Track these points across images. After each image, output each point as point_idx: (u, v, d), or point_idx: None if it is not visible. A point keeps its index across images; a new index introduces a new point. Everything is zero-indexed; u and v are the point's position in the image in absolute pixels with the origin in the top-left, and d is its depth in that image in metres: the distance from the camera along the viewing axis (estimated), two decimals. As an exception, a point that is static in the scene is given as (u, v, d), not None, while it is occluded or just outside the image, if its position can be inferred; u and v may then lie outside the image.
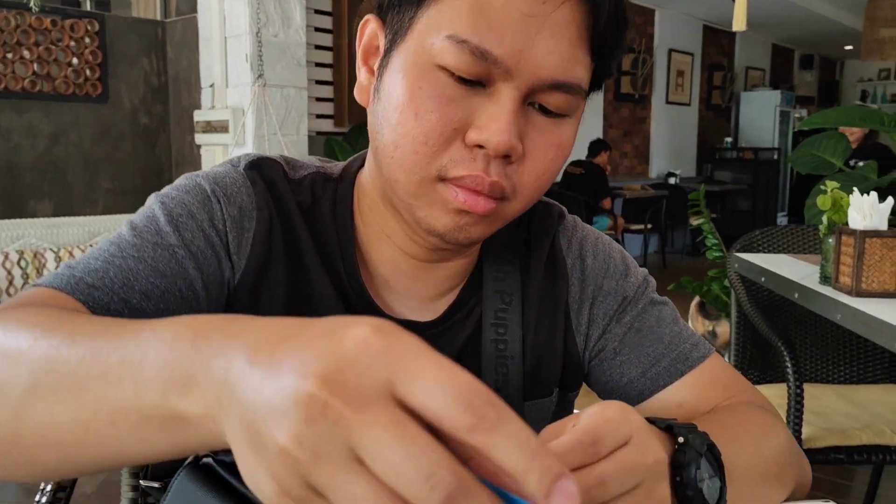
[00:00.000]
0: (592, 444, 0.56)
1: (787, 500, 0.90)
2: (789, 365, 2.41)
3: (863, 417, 2.46)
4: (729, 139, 10.89)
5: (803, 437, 2.35)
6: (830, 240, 2.02)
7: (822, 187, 2.11)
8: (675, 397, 0.94)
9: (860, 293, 1.87)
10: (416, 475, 0.34)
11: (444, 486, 0.34)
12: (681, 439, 0.70)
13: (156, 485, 1.08)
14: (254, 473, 0.38)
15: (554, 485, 0.36)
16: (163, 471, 0.97)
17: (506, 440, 0.36)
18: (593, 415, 0.59)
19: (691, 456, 0.69)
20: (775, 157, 10.27)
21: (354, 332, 0.38)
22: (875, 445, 2.39)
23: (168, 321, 0.47)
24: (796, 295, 2.12)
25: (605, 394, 1.01)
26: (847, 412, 2.49)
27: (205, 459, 0.91)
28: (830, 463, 2.39)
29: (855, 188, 1.93)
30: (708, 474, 0.70)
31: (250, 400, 0.38)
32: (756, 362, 2.93)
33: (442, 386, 0.36)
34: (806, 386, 2.51)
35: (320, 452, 0.35)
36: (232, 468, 0.87)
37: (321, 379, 0.36)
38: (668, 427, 0.72)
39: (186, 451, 0.47)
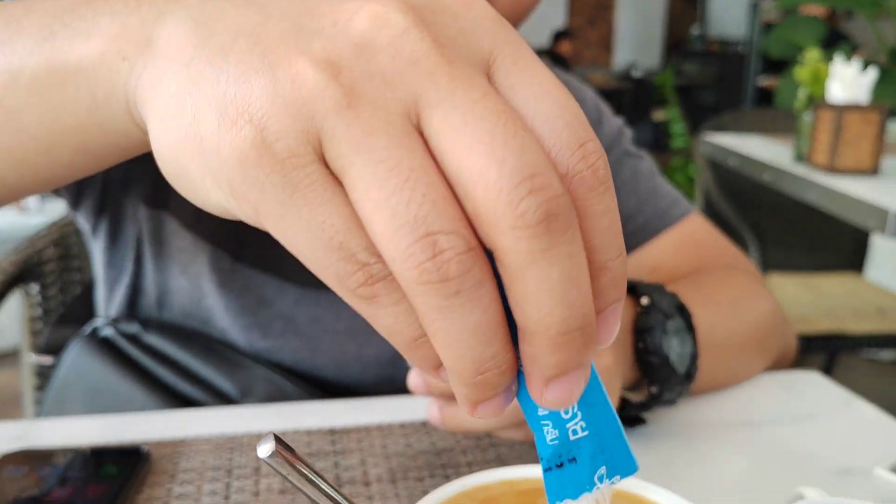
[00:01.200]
0: None
1: (770, 370, 0.80)
2: (755, 254, 2.32)
3: (823, 306, 2.41)
4: (696, 32, 10.62)
5: (763, 326, 2.30)
6: (806, 116, 1.87)
7: (800, 60, 1.95)
8: (649, 259, 0.80)
9: (835, 170, 1.75)
10: (511, 165, 0.24)
11: (548, 193, 0.24)
12: (645, 300, 0.58)
13: (48, 361, 1.00)
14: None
15: None
16: (57, 346, 0.87)
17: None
18: None
19: (656, 319, 0.57)
20: (743, 50, 10.06)
21: None
22: (833, 334, 2.35)
23: None
24: (766, 176, 1.99)
25: None
26: (808, 301, 2.43)
27: (105, 332, 0.80)
28: (788, 352, 2.35)
29: (835, 56, 1.77)
30: (677, 340, 0.58)
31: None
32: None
33: (554, 100, 0.27)
34: (769, 275, 2.43)
35: (366, 90, 0.25)
36: (134, 340, 0.81)
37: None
38: (630, 287, 0.59)
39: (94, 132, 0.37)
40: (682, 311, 0.60)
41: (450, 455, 0.62)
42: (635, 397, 0.62)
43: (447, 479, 0.58)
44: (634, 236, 0.82)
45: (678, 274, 0.79)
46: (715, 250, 0.83)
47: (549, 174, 0.24)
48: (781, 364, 0.83)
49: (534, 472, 0.38)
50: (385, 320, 0.26)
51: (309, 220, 0.25)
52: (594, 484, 0.27)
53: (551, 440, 0.28)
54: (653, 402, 0.61)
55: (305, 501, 0.54)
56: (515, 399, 0.28)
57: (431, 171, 0.25)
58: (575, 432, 0.27)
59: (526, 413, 0.28)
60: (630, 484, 0.37)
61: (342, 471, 0.59)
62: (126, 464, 0.57)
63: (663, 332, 0.58)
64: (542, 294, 0.24)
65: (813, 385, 0.77)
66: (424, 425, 0.67)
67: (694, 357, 0.60)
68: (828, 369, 2.87)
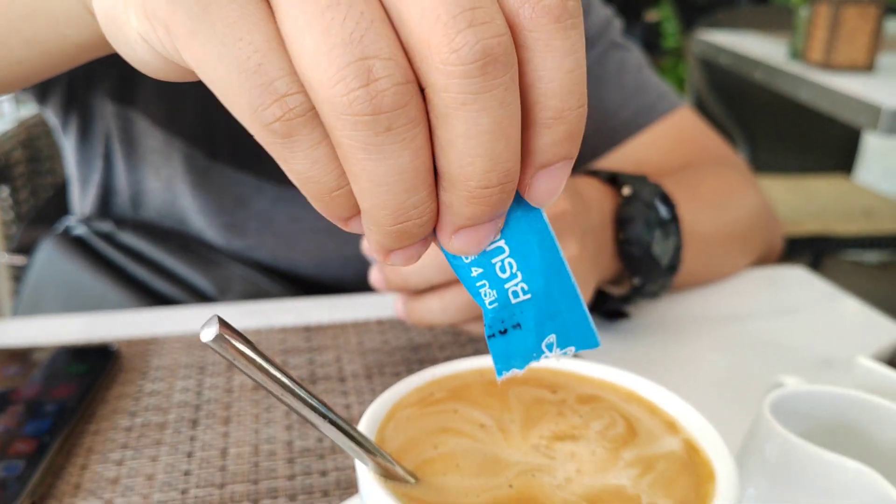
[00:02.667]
0: None
1: (755, 266, 0.79)
2: (745, 155, 2.29)
3: (810, 208, 2.40)
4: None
5: (749, 228, 2.29)
6: (803, 11, 1.81)
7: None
8: (634, 154, 0.78)
9: (830, 67, 1.70)
10: None
11: (489, 31, 0.21)
12: (626, 190, 0.56)
13: (21, 261, 0.99)
14: None
15: None
16: (30, 246, 0.86)
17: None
18: None
19: (638, 210, 0.55)
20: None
21: None
22: (819, 236, 2.35)
23: None
24: (759, 74, 1.94)
25: None
26: (796, 203, 2.42)
27: (77, 230, 0.78)
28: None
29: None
30: (660, 231, 0.57)
31: None
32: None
33: None
34: (758, 178, 2.42)
35: None
36: (107, 239, 0.79)
37: None
38: (612, 178, 0.57)
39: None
40: (666, 202, 0.58)
41: (427, 351, 0.61)
42: (618, 291, 0.60)
43: (424, 374, 0.57)
44: (619, 130, 0.79)
45: (665, 169, 0.77)
46: (704, 146, 0.81)
47: (492, 9, 0.21)
48: (767, 260, 0.81)
49: (505, 360, 0.37)
50: (300, 165, 0.23)
51: (223, 36, 0.22)
52: (542, 352, 0.25)
53: (490, 303, 0.26)
54: (635, 294, 0.59)
55: (276, 406, 0.53)
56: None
57: None
58: (516, 294, 0.25)
59: (458, 273, 0.26)
60: (607, 372, 0.36)
61: (317, 367, 0.58)
62: (95, 362, 0.56)
63: (645, 224, 0.56)
64: (467, 141, 0.22)
65: (798, 280, 0.76)
66: (402, 322, 0.65)
67: (678, 248, 0.59)
68: (813, 270, 2.90)
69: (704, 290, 0.73)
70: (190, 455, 0.48)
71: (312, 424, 0.25)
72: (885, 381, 0.43)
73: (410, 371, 0.58)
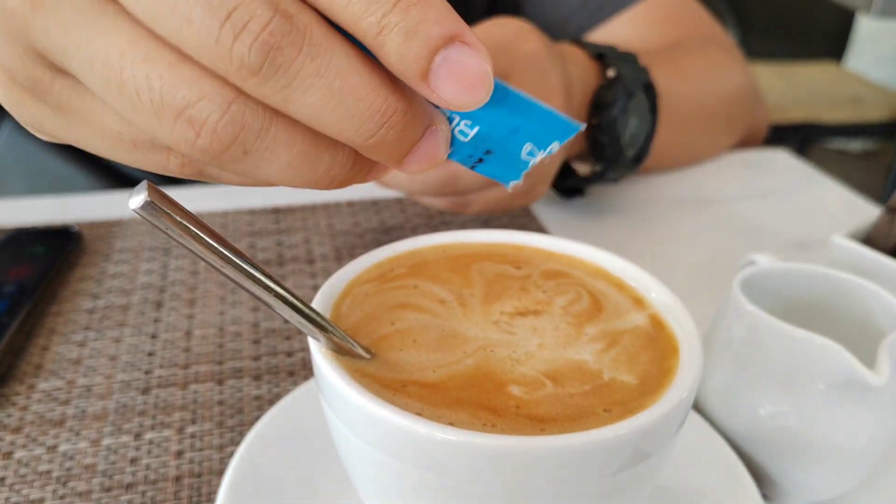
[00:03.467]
0: None
1: (740, 148, 0.77)
2: (735, 40, 2.23)
3: (798, 95, 2.36)
4: None
5: (736, 115, 2.26)
6: None
7: None
8: (622, 30, 0.74)
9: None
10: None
11: (256, 27, 0.20)
12: (611, 72, 0.53)
13: None
14: None
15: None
16: None
17: None
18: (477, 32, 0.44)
19: (617, 95, 0.53)
20: None
21: None
22: (807, 123, 2.33)
23: None
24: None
25: (544, 30, 0.83)
26: (784, 90, 2.38)
27: None
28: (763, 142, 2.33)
29: None
30: (636, 119, 0.54)
31: None
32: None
33: None
34: (748, 64, 2.36)
35: None
36: None
37: None
38: (600, 55, 0.54)
39: None
40: (648, 90, 0.56)
41: (399, 233, 0.59)
42: (582, 169, 0.59)
43: (395, 256, 0.56)
44: (603, 7, 0.75)
45: (651, 45, 0.74)
46: (693, 22, 0.77)
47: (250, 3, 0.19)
48: (751, 144, 0.80)
49: (467, 236, 0.35)
50: (270, 168, 0.22)
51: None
52: (528, 161, 0.23)
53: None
54: (596, 179, 0.58)
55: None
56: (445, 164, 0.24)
57: None
58: (464, 133, 0.23)
59: None
60: (574, 248, 0.34)
61: (286, 249, 0.57)
62: (55, 244, 0.54)
63: (621, 111, 0.53)
64: (320, 117, 0.21)
65: (779, 163, 0.75)
66: (374, 203, 0.64)
67: (648, 138, 0.57)
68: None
69: (683, 173, 0.71)
70: (154, 337, 0.47)
71: (258, 298, 0.24)
72: (859, 259, 0.42)
73: (381, 253, 0.57)
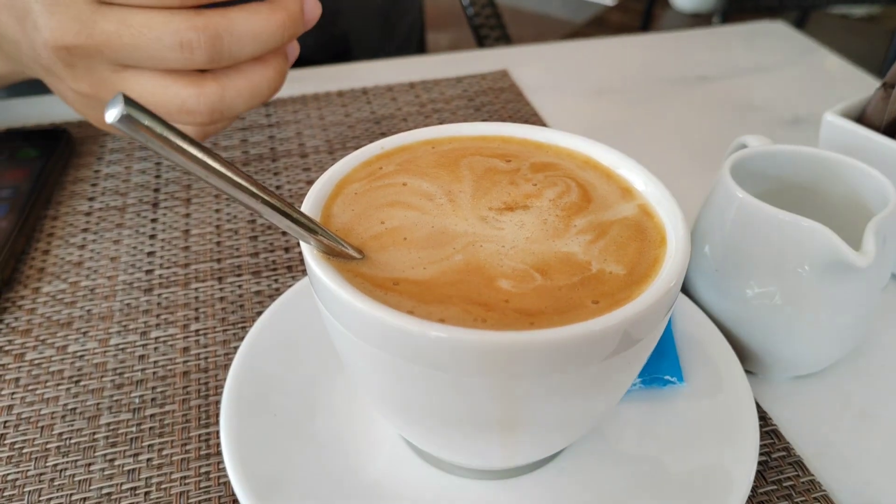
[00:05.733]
0: None
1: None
2: None
3: (805, -43, 2.27)
4: None
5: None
6: None
7: None
8: None
9: None
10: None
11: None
12: None
13: None
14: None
15: None
16: None
17: None
18: None
19: None
20: None
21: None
22: (811, -12, 2.24)
23: None
24: None
25: None
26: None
27: None
28: (762, 10, 2.26)
29: None
30: None
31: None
32: None
33: None
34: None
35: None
36: None
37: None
38: None
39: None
40: None
41: (390, 122, 0.59)
42: None
43: (388, 146, 0.56)
44: None
45: None
46: None
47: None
48: None
49: (456, 130, 0.35)
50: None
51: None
52: None
53: None
54: None
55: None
56: None
57: None
58: None
59: None
60: (563, 138, 0.34)
61: (278, 143, 0.56)
62: (46, 146, 0.54)
63: None
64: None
65: (776, 36, 0.73)
66: (365, 93, 0.63)
67: None
68: (799, 25, 2.81)
69: (676, 50, 0.69)
70: (152, 237, 0.47)
71: (246, 206, 0.24)
72: (852, 137, 0.42)
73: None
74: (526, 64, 0.67)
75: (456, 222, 0.29)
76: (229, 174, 0.23)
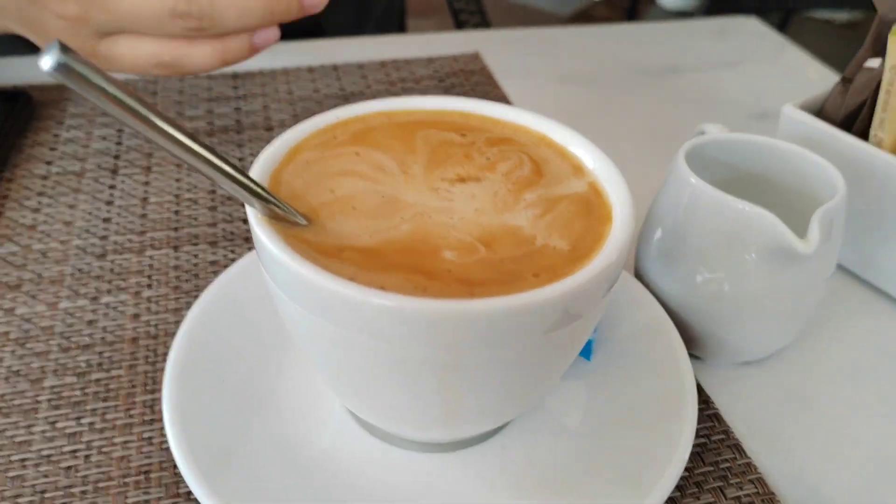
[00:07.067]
0: None
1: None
2: None
3: (788, -40, 2.29)
4: None
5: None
6: None
7: None
8: None
9: None
10: None
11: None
12: None
13: None
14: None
15: None
16: None
17: None
18: None
19: None
20: None
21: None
22: (793, -9, 2.27)
23: None
24: None
25: None
26: (773, -48, 2.30)
27: None
28: (744, 11, 2.27)
29: None
30: None
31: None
32: None
33: None
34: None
35: None
36: None
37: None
38: None
39: None
40: None
41: (359, 99, 0.58)
42: None
43: (354, 123, 0.55)
44: None
45: None
46: None
47: None
48: None
49: (414, 103, 0.35)
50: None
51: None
52: None
53: None
54: None
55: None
56: None
57: None
58: None
59: None
60: (519, 115, 0.34)
61: (244, 116, 0.56)
62: (6, 108, 0.53)
63: None
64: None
65: (748, 32, 0.73)
66: (335, 69, 0.62)
67: None
68: (781, 28, 2.83)
69: (648, 41, 0.70)
70: (109, 203, 0.47)
71: (192, 167, 0.24)
72: (809, 130, 0.43)
73: (340, 120, 0.56)
74: (499, 48, 0.67)
75: (406, 192, 0.29)
76: (171, 131, 0.23)
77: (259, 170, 0.29)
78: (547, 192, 0.30)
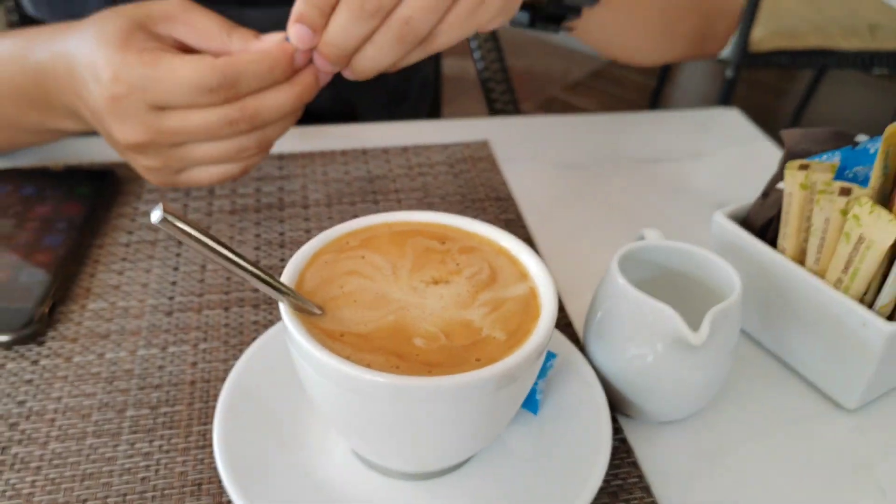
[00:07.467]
0: None
1: (689, 56, 0.84)
2: (753, -40, 2.21)
3: (816, 20, 2.36)
4: None
5: (751, 38, 2.27)
6: None
7: None
8: None
9: None
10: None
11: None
12: None
13: None
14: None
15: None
16: None
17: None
18: None
19: None
20: None
21: (101, 64, 0.51)
22: (821, 49, 2.33)
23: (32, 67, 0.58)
24: None
25: None
26: (802, 15, 2.38)
27: None
28: (774, 66, 2.35)
29: None
30: None
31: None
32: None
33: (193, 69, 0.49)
34: (766, -17, 2.35)
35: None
36: None
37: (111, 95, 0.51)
38: None
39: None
40: None
41: (382, 182, 0.70)
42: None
43: (376, 203, 0.67)
44: None
45: None
46: None
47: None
48: (702, 53, 0.85)
49: (410, 216, 0.46)
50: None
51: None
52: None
53: None
54: (553, 5, 0.64)
55: (250, 226, 0.63)
56: None
57: None
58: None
59: None
60: (487, 230, 0.45)
61: (285, 195, 0.68)
62: (97, 184, 0.66)
63: None
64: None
65: (729, 123, 0.84)
66: (364, 153, 0.74)
67: None
68: (815, 84, 2.89)
69: (627, 129, 0.80)
70: (175, 269, 0.59)
71: (242, 277, 0.36)
72: (731, 235, 0.53)
73: (365, 201, 0.68)
74: (504, 135, 0.78)
75: (393, 290, 0.41)
76: (233, 257, 0.35)
77: (289, 271, 0.41)
78: (497, 294, 0.41)
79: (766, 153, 0.78)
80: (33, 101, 0.59)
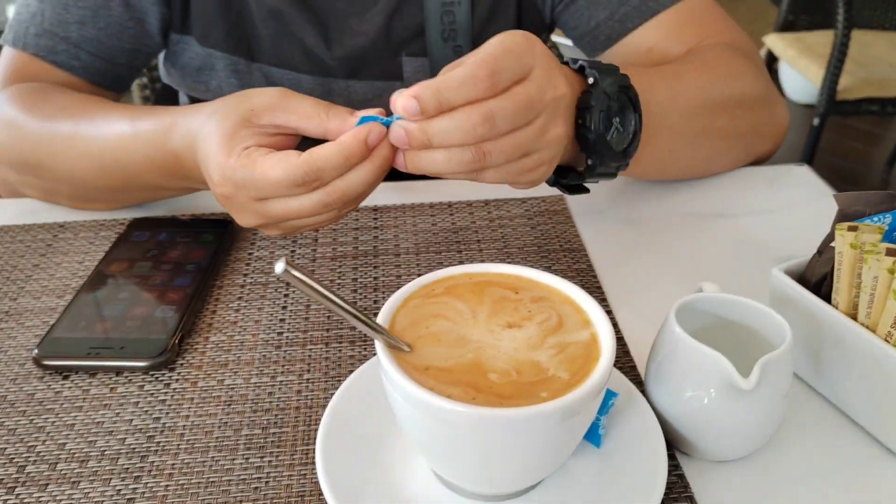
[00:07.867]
0: (488, 77, 0.53)
1: (756, 163, 0.88)
2: (841, 6, 2.21)
3: (910, 67, 2.33)
4: None
5: (840, 87, 2.26)
6: None
7: None
8: (644, 41, 0.85)
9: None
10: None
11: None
12: (590, 80, 0.64)
13: None
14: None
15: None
16: None
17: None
18: (493, 45, 0.55)
19: (598, 98, 0.63)
20: None
21: (212, 167, 0.60)
22: (916, 96, 2.29)
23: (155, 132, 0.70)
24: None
25: (575, 41, 0.95)
26: (892, 62, 2.35)
27: None
28: (863, 114, 2.33)
29: None
30: (620, 118, 0.65)
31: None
32: (808, 5, 2.70)
33: (281, 170, 0.56)
34: (856, 33, 2.33)
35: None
36: None
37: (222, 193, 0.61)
38: (580, 67, 0.66)
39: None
40: (628, 91, 0.66)
41: (465, 233, 0.77)
42: (580, 167, 0.69)
43: (459, 252, 0.74)
44: (629, 18, 0.85)
45: (672, 54, 0.83)
46: (712, 28, 0.85)
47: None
48: (764, 152, 0.88)
49: (487, 268, 0.52)
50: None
51: None
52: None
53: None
54: (590, 172, 0.67)
55: (348, 271, 0.71)
56: None
57: None
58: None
59: None
60: (555, 281, 0.51)
61: (380, 243, 0.76)
62: (219, 232, 0.75)
63: (602, 111, 0.63)
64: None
65: (797, 179, 0.87)
66: (449, 206, 0.82)
67: (635, 134, 0.67)
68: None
69: (700, 189, 0.85)
70: (284, 308, 0.67)
71: (343, 317, 0.43)
72: (787, 289, 0.57)
73: (450, 250, 0.75)
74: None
75: (472, 332, 0.47)
76: (340, 302, 0.42)
77: (383, 314, 0.48)
78: (563, 338, 0.47)
79: (834, 210, 0.81)
80: (174, 174, 0.70)
